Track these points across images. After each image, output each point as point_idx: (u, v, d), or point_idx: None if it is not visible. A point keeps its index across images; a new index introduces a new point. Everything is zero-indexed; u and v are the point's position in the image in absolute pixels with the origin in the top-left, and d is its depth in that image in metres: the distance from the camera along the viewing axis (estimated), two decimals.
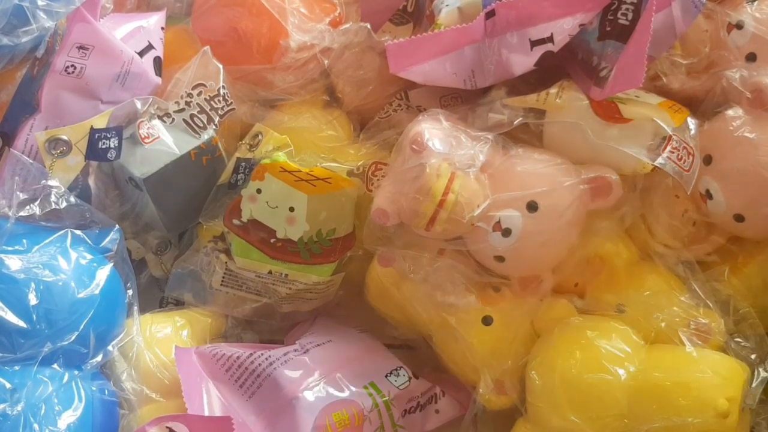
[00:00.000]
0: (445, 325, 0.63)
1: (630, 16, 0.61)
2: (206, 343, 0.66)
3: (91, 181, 0.66)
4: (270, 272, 0.67)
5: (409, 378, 0.64)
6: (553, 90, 0.63)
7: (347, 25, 0.75)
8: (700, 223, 0.64)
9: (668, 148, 0.59)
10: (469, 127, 0.63)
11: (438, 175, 0.58)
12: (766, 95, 0.59)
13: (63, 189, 0.63)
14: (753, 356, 0.59)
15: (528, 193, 0.59)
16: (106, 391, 0.59)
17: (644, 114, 0.59)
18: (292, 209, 0.65)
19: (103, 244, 0.63)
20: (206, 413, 0.58)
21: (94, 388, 0.58)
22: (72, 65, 0.65)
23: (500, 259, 0.61)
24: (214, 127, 0.70)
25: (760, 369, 0.57)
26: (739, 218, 0.61)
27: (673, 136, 0.59)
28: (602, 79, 0.61)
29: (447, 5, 0.69)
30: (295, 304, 0.71)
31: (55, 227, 0.62)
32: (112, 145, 0.65)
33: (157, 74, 0.71)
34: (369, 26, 0.74)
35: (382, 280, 0.66)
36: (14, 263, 0.57)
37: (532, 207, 0.59)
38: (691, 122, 0.61)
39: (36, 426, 0.53)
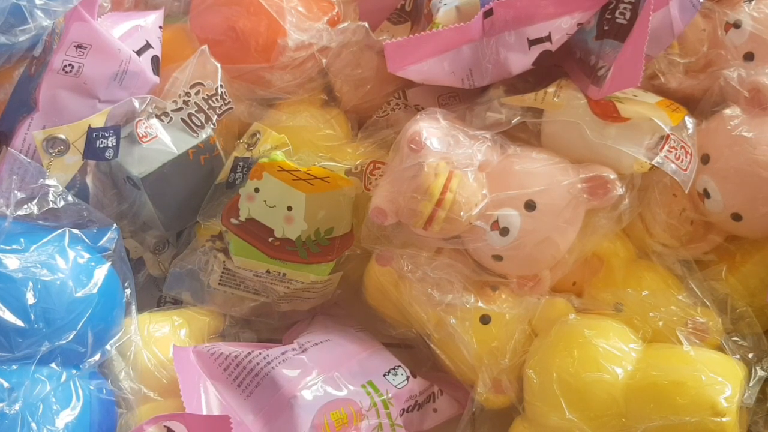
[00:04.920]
0: (443, 324, 0.63)
1: (628, 15, 0.61)
2: (204, 342, 0.66)
3: (89, 180, 0.66)
4: (268, 271, 0.67)
5: (408, 377, 0.64)
6: (551, 89, 0.63)
7: (345, 24, 0.75)
8: (698, 222, 0.64)
9: (666, 147, 0.59)
10: (467, 126, 0.63)
11: (436, 174, 0.58)
12: (763, 94, 0.59)
13: (61, 188, 0.63)
14: (750, 355, 0.59)
15: (526, 192, 0.59)
16: (104, 390, 0.59)
17: (642, 113, 0.59)
18: (290, 208, 0.65)
19: (101, 243, 0.63)
20: (204, 412, 0.58)
21: (92, 387, 0.58)
22: (70, 64, 0.65)
23: (498, 258, 0.61)
24: (212, 126, 0.70)
25: (758, 368, 0.58)
26: (736, 217, 0.61)
27: (671, 135, 0.59)
28: (600, 78, 0.61)
29: (445, 4, 0.69)
30: (293, 303, 0.71)
31: (52, 226, 0.62)
32: (109, 144, 0.65)
33: (154, 73, 0.71)
34: (367, 25, 0.74)
35: (380, 279, 0.66)
36: (12, 262, 0.57)
37: (530, 206, 0.59)
38: (689, 121, 0.61)
39: (34, 425, 0.53)
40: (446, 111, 0.64)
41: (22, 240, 0.59)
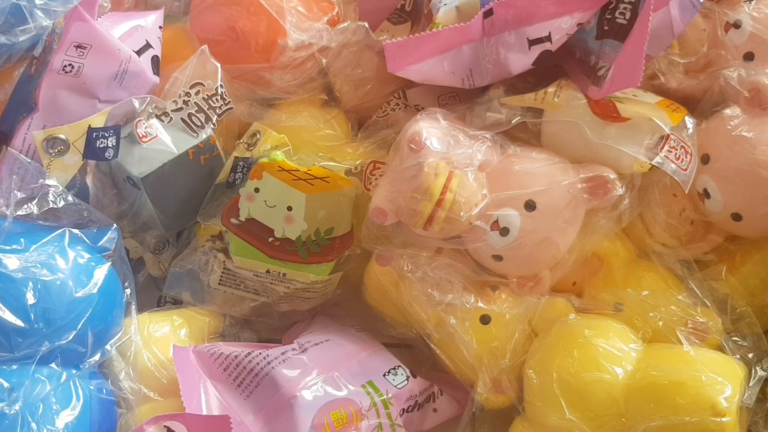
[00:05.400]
0: (443, 324, 0.63)
1: (628, 15, 0.61)
2: (204, 342, 0.66)
3: (89, 180, 0.66)
4: (268, 271, 0.67)
5: (408, 377, 0.64)
6: (551, 89, 0.63)
7: (345, 24, 0.75)
8: (698, 222, 0.64)
9: (666, 147, 0.59)
10: (467, 126, 0.63)
11: (436, 174, 0.58)
12: (763, 94, 0.59)
13: (61, 188, 0.63)
14: (750, 355, 0.59)
15: (526, 192, 0.59)
16: (104, 390, 0.59)
17: (642, 113, 0.59)
18: (290, 208, 0.65)
19: (101, 243, 0.63)
20: (204, 412, 0.58)
21: (92, 387, 0.58)
22: (70, 64, 0.65)
23: (498, 258, 0.61)
24: (212, 126, 0.70)
25: (758, 368, 0.58)
26: (736, 217, 0.61)
27: (671, 135, 0.59)
28: (600, 78, 0.61)
29: (445, 4, 0.69)
30: (293, 303, 0.71)
31: (52, 226, 0.62)
32: (109, 144, 0.65)
33: (154, 73, 0.71)
34: (367, 25, 0.74)
35: (380, 279, 0.66)
36: (12, 262, 0.57)
37: (530, 206, 0.59)
38: (689, 121, 0.61)
39: (34, 425, 0.53)
40: (446, 111, 0.64)
41: (22, 240, 0.59)
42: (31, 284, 0.56)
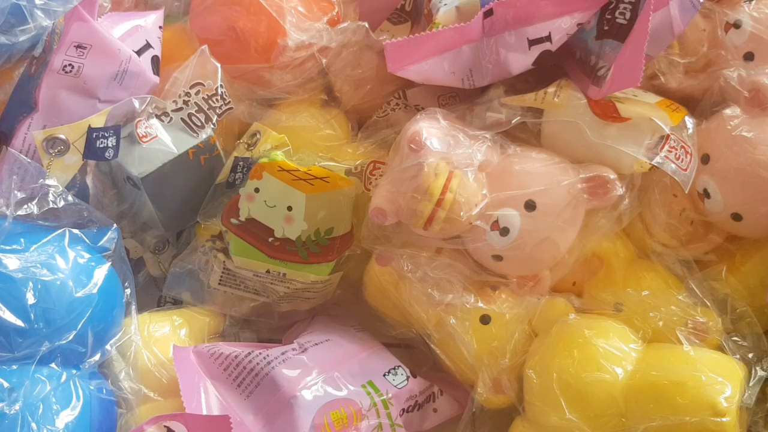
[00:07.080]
0: (443, 324, 0.63)
1: (628, 15, 0.61)
2: (204, 342, 0.66)
3: (89, 180, 0.66)
4: (268, 271, 0.67)
5: (408, 377, 0.64)
6: (551, 89, 0.63)
7: (345, 24, 0.75)
8: (698, 222, 0.64)
9: (666, 147, 0.59)
10: (467, 126, 0.63)
11: (436, 174, 0.58)
12: (763, 94, 0.59)
13: (61, 188, 0.63)
14: (750, 355, 0.59)
15: (526, 192, 0.59)
16: (104, 390, 0.59)
17: (642, 113, 0.59)
18: (290, 208, 0.65)
19: (101, 243, 0.63)
20: (204, 412, 0.58)
21: (92, 387, 0.58)
22: (70, 64, 0.65)
23: (498, 258, 0.61)
24: (212, 126, 0.70)
25: (758, 368, 0.58)
26: (736, 217, 0.61)
27: (671, 135, 0.59)
28: (600, 78, 0.61)
29: (445, 4, 0.69)
30: (293, 303, 0.71)
31: (52, 226, 0.62)
32: (109, 144, 0.65)
33: (155, 73, 0.71)
34: (367, 25, 0.74)
35: (380, 279, 0.66)
36: (12, 262, 0.57)
37: (530, 206, 0.59)
38: (689, 121, 0.61)
39: (34, 425, 0.53)
40: (446, 111, 0.64)
41: (22, 240, 0.59)
42: (31, 284, 0.56)
